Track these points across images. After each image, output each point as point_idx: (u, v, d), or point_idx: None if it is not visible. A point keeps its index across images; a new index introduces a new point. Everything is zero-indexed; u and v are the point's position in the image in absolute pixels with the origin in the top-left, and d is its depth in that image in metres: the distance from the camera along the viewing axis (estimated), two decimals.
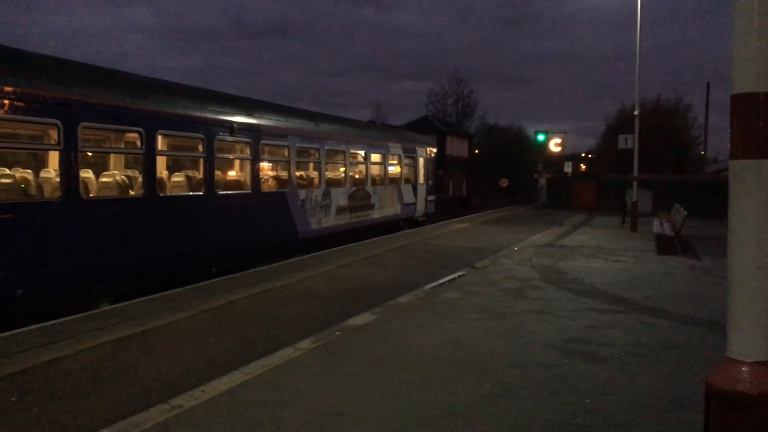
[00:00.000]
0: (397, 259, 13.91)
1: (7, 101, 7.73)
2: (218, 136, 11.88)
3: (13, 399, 5.19)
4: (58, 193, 8.65)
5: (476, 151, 64.79)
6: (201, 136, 11.49)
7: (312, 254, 14.38)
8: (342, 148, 17.41)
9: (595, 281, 10.85)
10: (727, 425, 2.63)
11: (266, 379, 5.59)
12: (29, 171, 9.46)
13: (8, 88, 7.73)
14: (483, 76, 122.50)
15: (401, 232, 20.04)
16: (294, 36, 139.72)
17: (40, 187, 9.24)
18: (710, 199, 26.17)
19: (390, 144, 21.15)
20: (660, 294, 9.82)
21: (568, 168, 37.24)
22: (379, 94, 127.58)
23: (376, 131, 21.83)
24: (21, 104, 7.91)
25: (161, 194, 10.54)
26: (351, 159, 18.02)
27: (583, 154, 77.49)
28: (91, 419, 4.85)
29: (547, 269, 12.15)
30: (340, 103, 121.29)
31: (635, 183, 22.12)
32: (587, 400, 5.12)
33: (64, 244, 8.54)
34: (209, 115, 11.72)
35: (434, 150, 26.18)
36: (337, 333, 7.18)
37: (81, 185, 8.91)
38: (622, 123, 45.33)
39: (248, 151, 13.11)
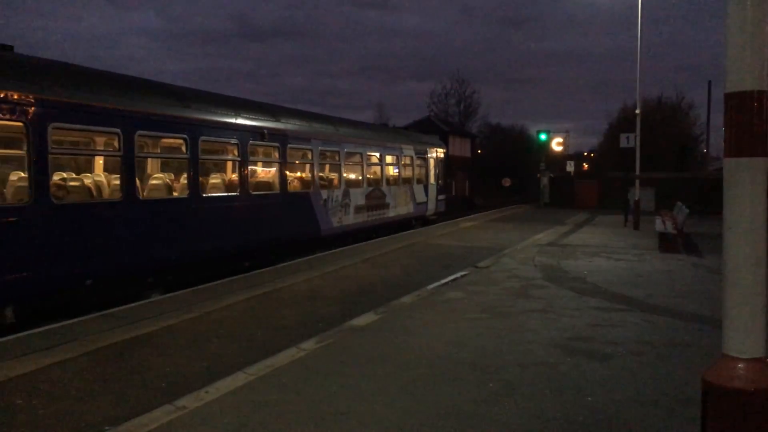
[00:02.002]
0: (401, 259, 13.95)
1: (79, 114, 8.74)
2: (251, 141, 12.73)
3: (18, 401, 5.25)
4: (118, 194, 9.66)
5: (479, 151, 64.76)
6: (236, 141, 12.31)
7: (316, 255, 14.49)
8: (359, 150, 18.16)
9: (597, 280, 10.86)
10: (724, 422, 2.64)
11: (270, 379, 5.63)
12: (89, 174, 10.30)
13: (83, 102, 8.75)
14: (485, 76, 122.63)
15: (405, 233, 20.20)
16: (298, 38, 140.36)
17: (100, 189, 10.07)
18: (712, 197, 26.09)
19: (403, 146, 21.90)
20: (663, 292, 9.83)
21: (570, 167, 37.25)
22: (382, 94, 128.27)
23: (390, 134, 22.63)
24: (91, 116, 8.96)
25: (203, 195, 11.33)
26: (367, 161, 18.75)
27: (585, 153, 77.50)
28: (95, 420, 4.90)
29: (550, 268, 12.17)
30: (343, 104, 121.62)
31: (637, 181, 22.09)
32: (590, 398, 5.14)
33: (125, 240, 9.51)
34: (243, 122, 12.53)
35: (444, 151, 26.87)
36: (341, 333, 7.22)
37: (137, 187, 9.89)
38: (624, 122, 45.29)
39: (276, 154, 13.92)
